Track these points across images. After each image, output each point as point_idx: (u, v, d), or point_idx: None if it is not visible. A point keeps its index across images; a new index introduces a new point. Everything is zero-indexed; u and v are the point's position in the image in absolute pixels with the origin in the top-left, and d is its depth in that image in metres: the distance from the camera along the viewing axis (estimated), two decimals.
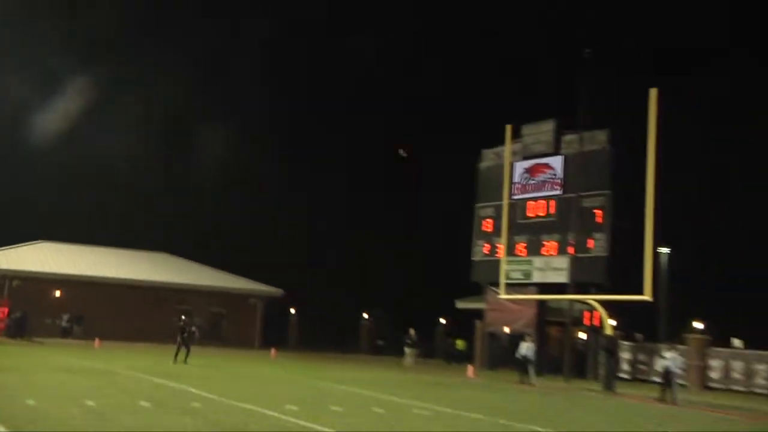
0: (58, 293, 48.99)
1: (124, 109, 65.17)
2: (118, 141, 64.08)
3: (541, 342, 37.60)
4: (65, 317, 48.00)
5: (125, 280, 50.98)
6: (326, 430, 12.09)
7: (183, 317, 31.18)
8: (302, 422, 12.84)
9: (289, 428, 12.12)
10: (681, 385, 31.19)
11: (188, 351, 29.26)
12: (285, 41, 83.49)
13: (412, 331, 38.51)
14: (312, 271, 69.20)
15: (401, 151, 53.84)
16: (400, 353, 40.09)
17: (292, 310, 58.48)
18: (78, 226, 63.37)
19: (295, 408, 14.98)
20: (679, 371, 25.62)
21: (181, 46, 77.20)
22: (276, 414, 13.81)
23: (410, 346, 38.15)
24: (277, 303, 57.83)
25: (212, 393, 17.12)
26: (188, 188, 71.50)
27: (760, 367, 32.40)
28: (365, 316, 59.21)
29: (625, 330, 38.21)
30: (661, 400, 24.55)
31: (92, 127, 64.96)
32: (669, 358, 25.29)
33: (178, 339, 29.72)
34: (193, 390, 17.70)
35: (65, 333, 47.20)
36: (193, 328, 30.61)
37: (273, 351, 42.66)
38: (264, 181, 71.18)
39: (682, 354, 33.34)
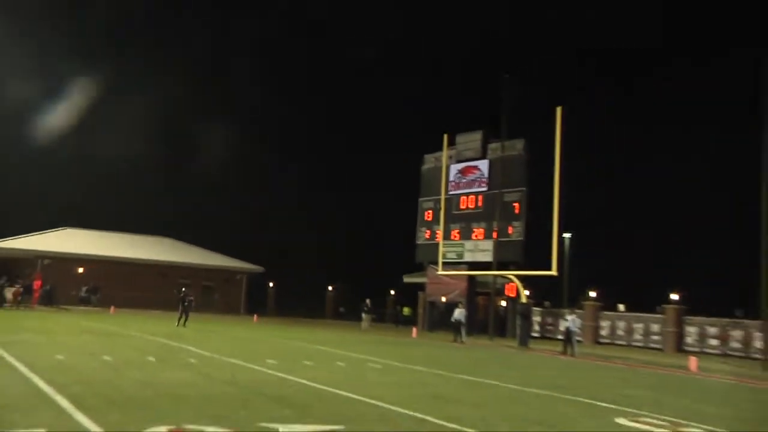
0: (80, 270, 48.19)
1: (123, 103, 62.96)
2: (119, 137, 62.42)
3: (471, 309, 37.98)
4: (84, 288, 47.24)
5: (135, 259, 50.32)
6: (300, 379, 12.13)
7: (183, 289, 30.78)
8: (280, 374, 12.85)
9: (268, 379, 12.13)
10: (579, 341, 31.89)
11: (187, 317, 28.98)
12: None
13: (368, 301, 38.53)
14: (288, 251, 68.84)
15: None
16: (359, 318, 40.17)
17: (271, 284, 58.14)
18: (92, 215, 62.21)
19: (274, 362, 14.98)
20: (577, 330, 26.06)
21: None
22: (258, 367, 13.81)
23: (367, 312, 38.17)
24: (258, 278, 57.64)
25: (206, 351, 17.03)
26: (187, 185, 70.54)
27: (638, 325, 33.16)
28: (330, 288, 59.10)
29: (536, 298, 38.80)
30: (563, 353, 25.00)
31: (94, 122, 62.84)
32: (569, 320, 25.73)
33: (180, 307, 29.42)
34: (191, 348, 17.58)
35: (84, 302, 46.45)
36: (191, 298, 30.26)
37: (255, 317, 42.45)
38: (256, 177, 70.59)
39: (580, 317, 34.08)
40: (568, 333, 25.48)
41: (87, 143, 66.17)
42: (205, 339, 22.31)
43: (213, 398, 9.48)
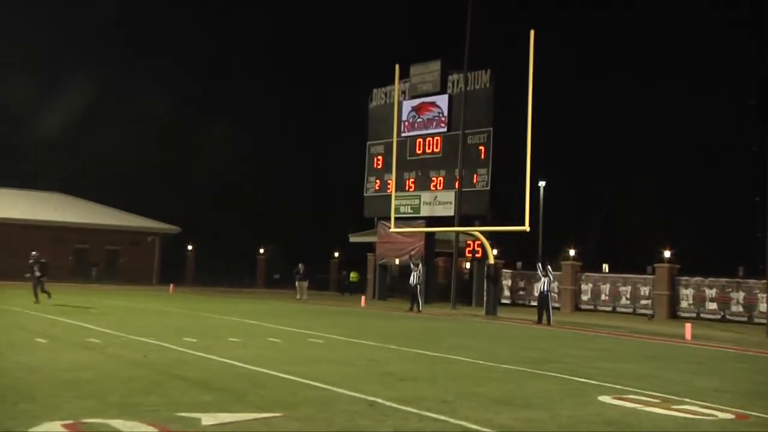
0: None
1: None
2: None
3: (430, 272, 38.35)
4: None
5: (19, 220, 49.07)
6: (225, 359, 12.08)
7: (33, 253, 27.91)
8: (200, 353, 12.78)
9: (186, 359, 12.05)
10: (555, 307, 32.50)
11: (42, 286, 26.26)
12: None
13: (300, 266, 38.53)
14: (209, 208, 68.10)
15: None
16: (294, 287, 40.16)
17: (190, 247, 57.62)
18: None
19: (193, 340, 14.90)
20: (553, 295, 26.49)
21: None
22: (174, 346, 13.71)
23: (301, 279, 38.16)
24: (174, 240, 57.01)
25: (110, 328, 16.82)
26: (87, 133, 68.78)
27: (624, 288, 34.01)
28: (261, 251, 58.89)
29: (506, 259, 39.35)
30: (538, 322, 25.48)
31: None
32: (543, 283, 26.12)
33: (32, 277, 26.60)
34: (90, 326, 17.34)
35: None
36: (43, 261, 27.33)
37: (171, 287, 42.13)
38: (166, 121, 69.09)
39: (557, 279, 34.72)
40: (543, 298, 25.95)
41: None
42: (107, 314, 22.06)
43: (119, 383, 9.37)
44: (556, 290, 26.85)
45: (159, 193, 66.37)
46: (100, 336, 15.22)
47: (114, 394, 8.63)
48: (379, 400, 8.79)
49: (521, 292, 38.41)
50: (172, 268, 53.58)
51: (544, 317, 25.54)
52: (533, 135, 26.36)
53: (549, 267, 26.40)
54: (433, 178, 37.88)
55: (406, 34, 70.73)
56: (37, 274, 26.56)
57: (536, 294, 30.08)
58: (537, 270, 27.23)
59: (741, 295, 30.02)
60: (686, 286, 31.85)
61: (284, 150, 73.27)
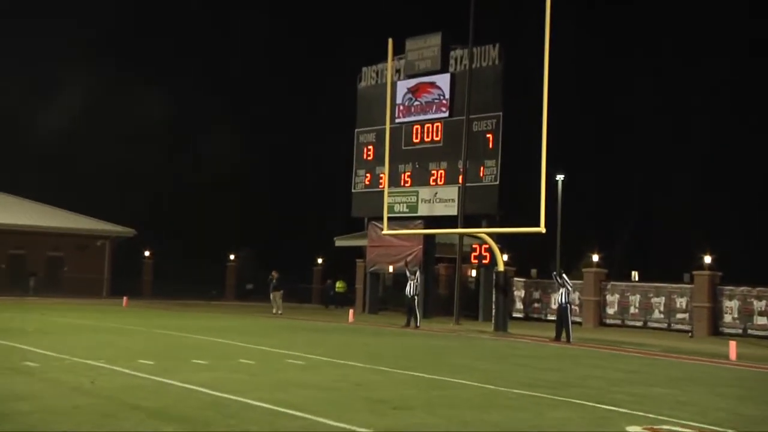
0: None
1: None
2: None
3: (429, 281, 38.29)
4: None
5: None
6: (188, 384, 12.01)
7: None
8: (158, 377, 12.72)
9: (142, 384, 11.98)
10: (576, 322, 32.45)
11: None
12: None
13: (274, 273, 38.41)
14: (171, 207, 67.97)
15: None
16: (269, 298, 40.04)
17: (147, 253, 57.47)
18: None
19: (150, 362, 14.84)
20: (574, 307, 26.46)
21: None
22: (127, 370, 13.63)
23: (275, 288, 38.00)
24: (129, 244, 56.82)
25: (51, 350, 16.72)
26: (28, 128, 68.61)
27: (657, 300, 34.02)
28: (232, 257, 58.77)
29: (519, 266, 39.32)
30: (556, 339, 25.43)
31: None
32: (562, 294, 26.08)
33: None
34: (27, 347, 17.23)
35: None
36: None
37: (124, 300, 41.98)
38: (124, 106, 69.03)
39: (578, 288, 34.70)
40: (561, 312, 25.92)
41: None
42: (47, 333, 21.94)
43: (62, 415, 9.30)
44: (577, 302, 26.78)
45: (113, 191, 66.25)
46: (39, 359, 15.11)
47: (55, 424, 8.55)
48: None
49: (536, 305, 38.40)
50: (126, 278, 53.37)
51: (563, 334, 25.52)
52: (550, 119, 26.32)
53: (565, 276, 26.38)
54: (433, 172, 37.83)
55: (401, 1, 70.74)
56: None
57: (554, 307, 30.04)
58: (554, 279, 27.23)
59: None
60: (730, 298, 31.85)
61: (257, 139, 73.03)
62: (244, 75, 76.61)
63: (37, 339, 19.37)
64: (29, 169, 65.87)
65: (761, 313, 30.87)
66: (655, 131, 56.41)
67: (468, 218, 35.13)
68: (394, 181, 37.53)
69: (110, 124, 70.71)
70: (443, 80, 38.09)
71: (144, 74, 70.98)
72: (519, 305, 38.67)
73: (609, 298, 35.68)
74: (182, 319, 30.84)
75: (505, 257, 32.20)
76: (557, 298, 26.76)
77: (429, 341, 24.21)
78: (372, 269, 41.27)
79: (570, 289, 26.64)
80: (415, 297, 30.65)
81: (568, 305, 26.05)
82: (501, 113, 35.82)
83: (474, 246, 36.76)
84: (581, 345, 24.52)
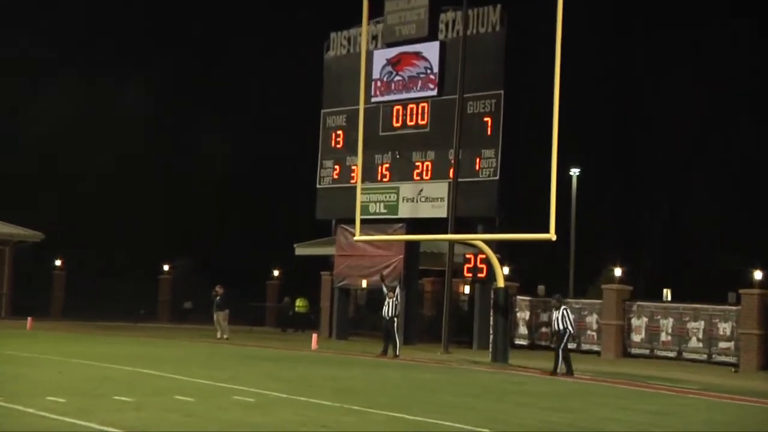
0: None
1: None
2: None
3: (411, 300, 38.23)
4: None
5: None
6: (105, 428, 11.95)
7: None
8: (70, 419, 12.67)
9: (51, 427, 11.91)
10: (594, 351, 32.59)
11: None
12: None
13: (219, 289, 38.28)
14: (87, 206, 67.60)
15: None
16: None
17: (59, 262, 57.17)
18: None
19: (61, 400, 14.77)
20: (569, 329, 26.54)
21: None
22: (31, 409, 13.56)
23: (220, 307, 37.86)
24: (35, 252, 56.47)
25: None
26: None
27: (695, 325, 34.08)
28: (166, 268, 58.56)
29: (522, 281, 39.35)
30: (567, 373, 25.53)
31: None
32: (557, 316, 26.46)
33: None
34: None
35: None
36: None
37: (29, 321, 41.71)
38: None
39: (596, 309, 34.85)
40: (560, 335, 26.18)
41: None
42: None
43: None
44: (571, 329, 26.82)
45: (23, 190, 65.79)
46: None
47: None
48: None
49: (544, 329, 38.36)
50: (31, 294, 53.06)
51: (561, 365, 25.78)
52: (562, 98, 26.38)
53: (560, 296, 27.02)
54: (418, 163, 37.80)
55: None
56: None
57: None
58: (552, 299, 27.74)
59: None
60: None
61: (196, 126, 72.67)
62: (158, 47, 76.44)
63: None
64: None
65: None
66: (691, 114, 56.42)
67: (461, 221, 35.10)
68: (369, 174, 37.47)
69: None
70: (431, 50, 38.06)
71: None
72: (523, 330, 38.65)
73: (635, 322, 35.73)
74: (102, 346, 30.67)
75: (506, 270, 32.25)
76: (554, 323, 27.02)
77: (411, 374, 24.19)
78: (341, 284, 41.17)
79: (565, 307, 27.06)
80: (395, 319, 30.61)
81: (567, 330, 26.28)
82: (502, 91, 35.83)
83: (468, 256, 36.68)
84: (599, 380, 24.56)
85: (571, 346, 28.36)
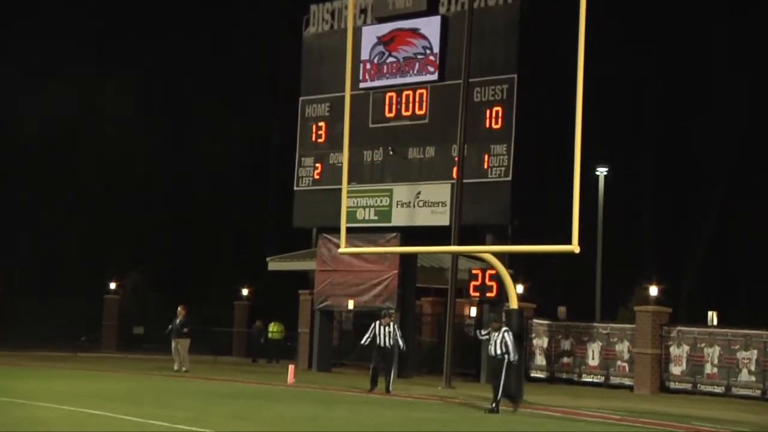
0: None
1: None
2: None
3: (407, 324, 38.21)
4: None
5: None
6: None
7: None
8: None
9: None
10: (626, 386, 32.60)
11: None
12: None
13: (180, 309, 38.26)
14: (20, 214, 67.67)
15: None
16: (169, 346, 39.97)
17: None
18: None
19: None
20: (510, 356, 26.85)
21: None
22: None
23: (180, 333, 37.82)
24: None
25: None
26: None
27: (746, 355, 34.08)
28: (114, 286, 58.56)
29: (540, 301, 39.36)
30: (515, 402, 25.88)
31: None
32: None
33: None
34: None
35: None
36: None
37: None
38: None
39: (627, 336, 34.82)
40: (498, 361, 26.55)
41: None
42: None
43: None
44: (511, 356, 27.15)
45: None
46: None
47: None
48: None
49: (566, 359, 38.36)
50: None
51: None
52: (586, 85, 26.35)
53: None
54: (415, 161, 37.83)
55: None
56: None
57: (591, 363, 30.14)
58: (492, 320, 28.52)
59: None
60: None
61: (157, 115, 72.86)
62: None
63: None
64: None
65: None
66: (745, 101, 56.47)
67: (466, 230, 35.15)
68: (357, 174, 37.51)
69: None
70: (431, 26, 38.09)
71: None
72: (540, 360, 38.66)
73: (674, 350, 35.74)
74: (36, 380, 30.62)
75: (520, 289, 32.26)
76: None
77: (407, 413, 24.23)
78: (322, 305, 41.16)
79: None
80: (388, 348, 30.62)
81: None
82: (515, 76, 35.89)
83: (474, 272, 36.70)
84: (630, 420, 24.54)
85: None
